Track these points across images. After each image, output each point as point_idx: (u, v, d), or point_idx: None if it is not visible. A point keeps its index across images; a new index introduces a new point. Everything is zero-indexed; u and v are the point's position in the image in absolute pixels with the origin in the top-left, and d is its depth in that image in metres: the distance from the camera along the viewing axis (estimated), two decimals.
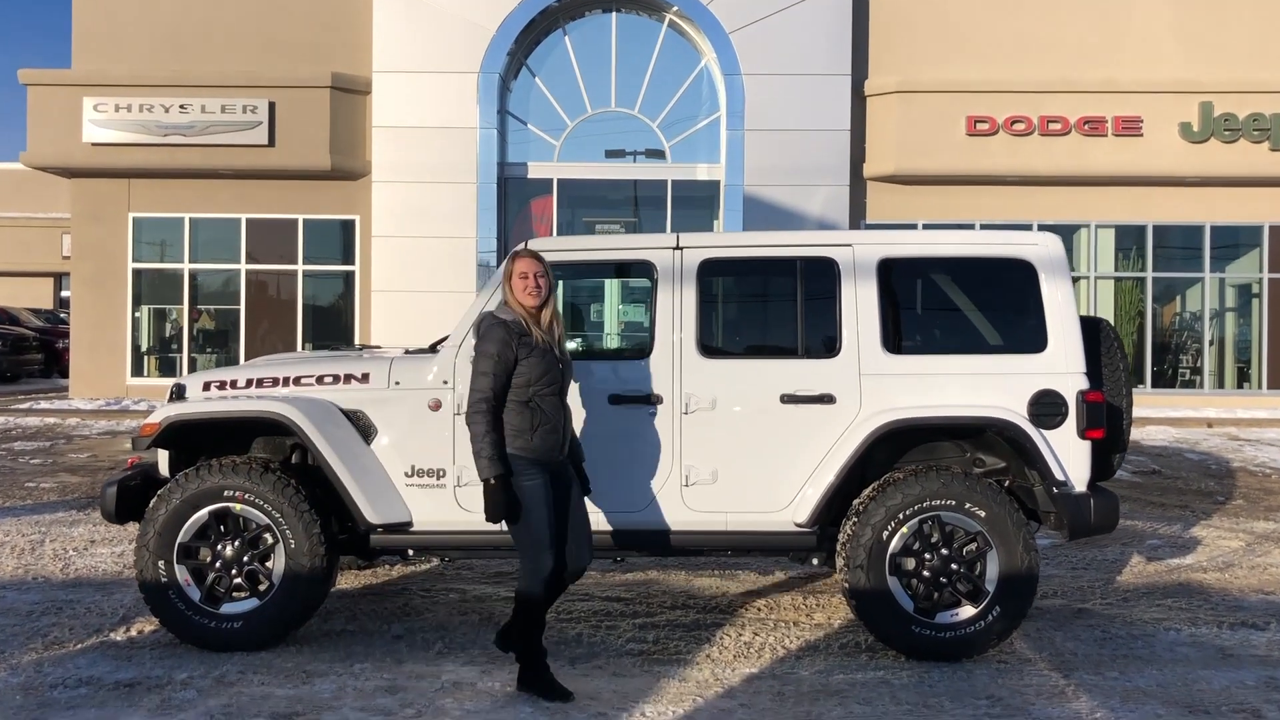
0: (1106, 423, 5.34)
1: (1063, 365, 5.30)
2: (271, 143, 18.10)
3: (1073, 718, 4.48)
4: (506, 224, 18.91)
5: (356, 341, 18.60)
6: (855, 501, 5.29)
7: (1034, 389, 5.27)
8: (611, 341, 17.19)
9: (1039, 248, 5.39)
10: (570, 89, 18.85)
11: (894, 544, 5.17)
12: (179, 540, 5.23)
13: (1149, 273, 19.14)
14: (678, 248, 5.40)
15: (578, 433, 5.23)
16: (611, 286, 17.98)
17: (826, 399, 5.27)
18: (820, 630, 5.70)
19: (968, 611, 5.18)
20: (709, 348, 5.35)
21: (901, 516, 5.15)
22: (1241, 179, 18.52)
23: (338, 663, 5.11)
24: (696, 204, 19.31)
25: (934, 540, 5.20)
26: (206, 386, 5.51)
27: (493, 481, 4.51)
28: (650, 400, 5.30)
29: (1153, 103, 18.42)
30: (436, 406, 5.35)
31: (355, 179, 18.65)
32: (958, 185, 18.59)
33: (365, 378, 5.42)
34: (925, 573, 5.20)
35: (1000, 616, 5.15)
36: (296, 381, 5.44)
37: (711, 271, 5.39)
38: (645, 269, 5.42)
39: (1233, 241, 19.51)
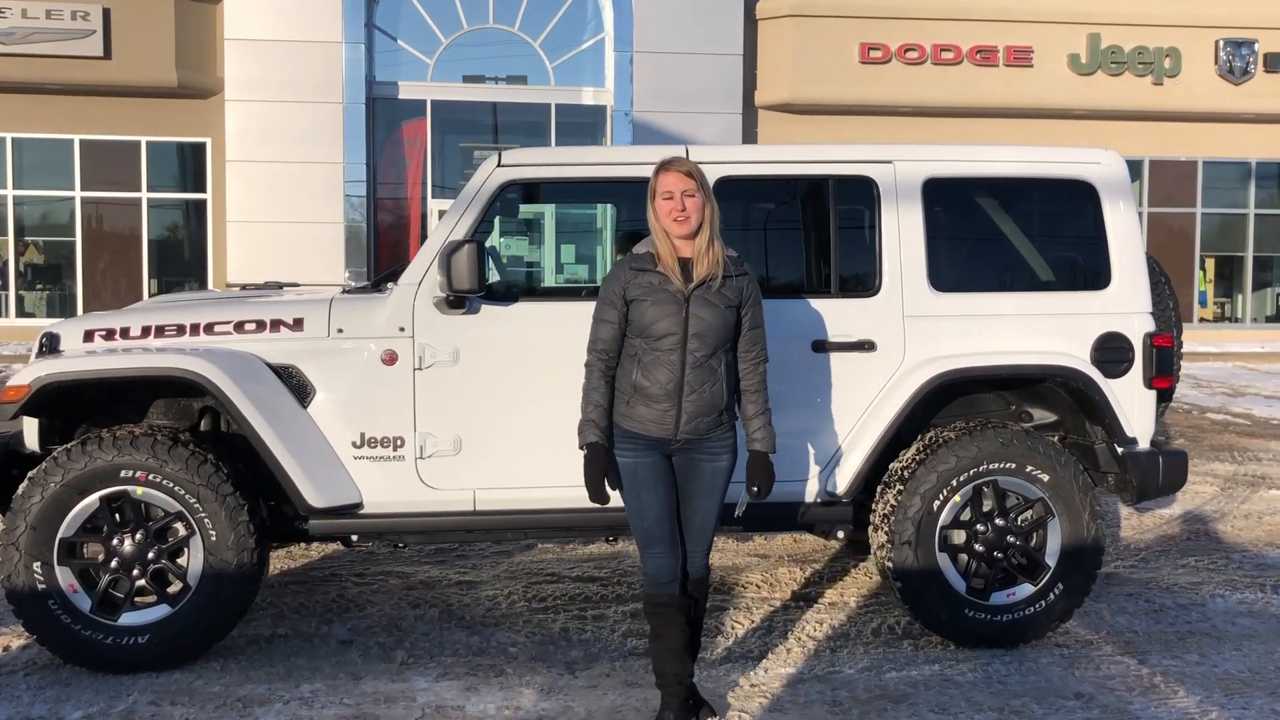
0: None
1: (1127, 304, 4.59)
2: (108, 54, 16.16)
3: (1180, 718, 3.81)
4: (375, 148, 17.46)
5: (227, 278, 16.90)
6: (894, 465, 4.49)
7: (1097, 331, 4.55)
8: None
9: (1101, 167, 4.65)
10: (444, 3, 17.40)
11: (945, 515, 4.40)
12: (61, 535, 4.07)
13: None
14: None
15: (570, 389, 4.28)
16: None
17: (866, 346, 4.44)
18: (840, 611, 4.92)
19: (1026, 590, 4.46)
20: None
21: (955, 483, 4.37)
22: (1125, 112, 18.47)
23: (278, 683, 4.07)
24: (582, 130, 18.22)
25: (987, 509, 4.47)
26: (89, 336, 4.30)
27: (584, 450, 3.60)
28: None
29: (1043, 32, 18.14)
30: (391, 360, 4.29)
31: (205, 97, 16.86)
32: (852, 115, 17.97)
33: (299, 324, 4.31)
34: (978, 547, 4.46)
35: (1063, 595, 4.46)
36: (209, 329, 4.29)
37: (726, 192, 4.42)
38: (644, 190, 4.44)
39: None
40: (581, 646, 4.47)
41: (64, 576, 4.08)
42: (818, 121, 18.05)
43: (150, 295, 16.97)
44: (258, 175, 16.66)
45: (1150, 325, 4.60)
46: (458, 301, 4.25)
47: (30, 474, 4.09)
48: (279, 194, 16.62)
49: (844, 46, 17.75)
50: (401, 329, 4.29)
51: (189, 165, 17.34)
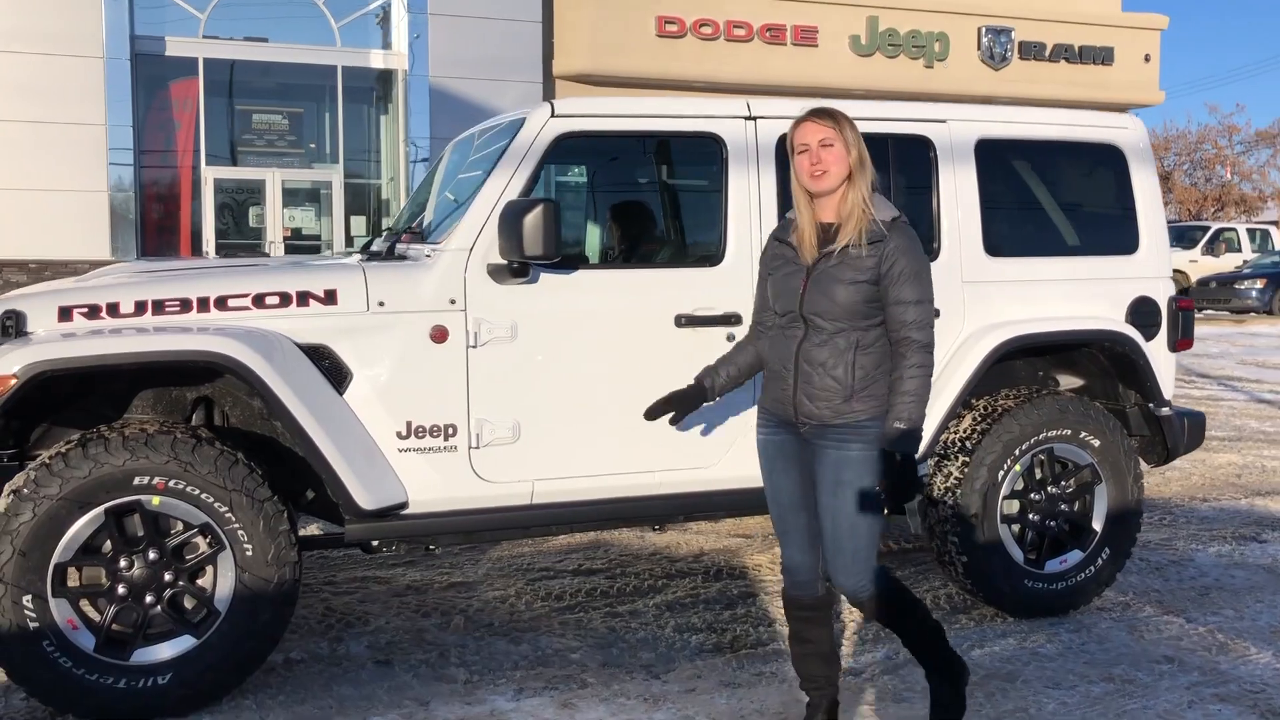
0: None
1: (1154, 269, 4.66)
2: None
3: (1276, 675, 3.89)
4: (142, 110, 15.83)
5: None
6: (951, 436, 4.35)
7: (1131, 296, 4.59)
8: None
9: (1128, 131, 4.67)
10: None
11: (1006, 485, 4.31)
12: (55, 560, 3.29)
13: None
14: (750, 117, 4.11)
15: (636, 366, 3.89)
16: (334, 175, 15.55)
17: None
18: None
19: (1076, 556, 4.45)
20: None
21: (1018, 452, 4.29)
22: (901, 93, 19.25)
23: (339, 718, 3.46)
24: (373, 95, 17.27)
25: (1040, 477, 4.42)
26: (65, 314, 3.47)
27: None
28: (728, 321, 4.01)
29: (827, 13, 18.72)
30: (441, 337, 3.73)
31: None
32: (649, 89, 17.83)
33: (331, 297, 3.66)
34: (1033, 516, 4.40)
35: (1110, 559, 4.48)
36: (221, 304, 3.57)
37: (783, 153, 4.12)
38: (708, 146, 4.08)
39: None
40: (645, 647, 4.08)
41: (60, 610, 3.31)
42: (616, 94, 17.82)
43: None
44: (4, 136, 14.72)
45: (1173, 289, 4.68)
46: (521, 269, 3.74)
47: (11, 486, 3.28)
48: (31, 158, 14.77)
49: (641, 18, 17.64)
50: (452, 301, 3.74)
51: None
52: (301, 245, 16.67)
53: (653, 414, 3.39)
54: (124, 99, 15.31)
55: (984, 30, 19.59)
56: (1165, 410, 4.62)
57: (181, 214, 16.47)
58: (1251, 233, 25.69)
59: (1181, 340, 4.68)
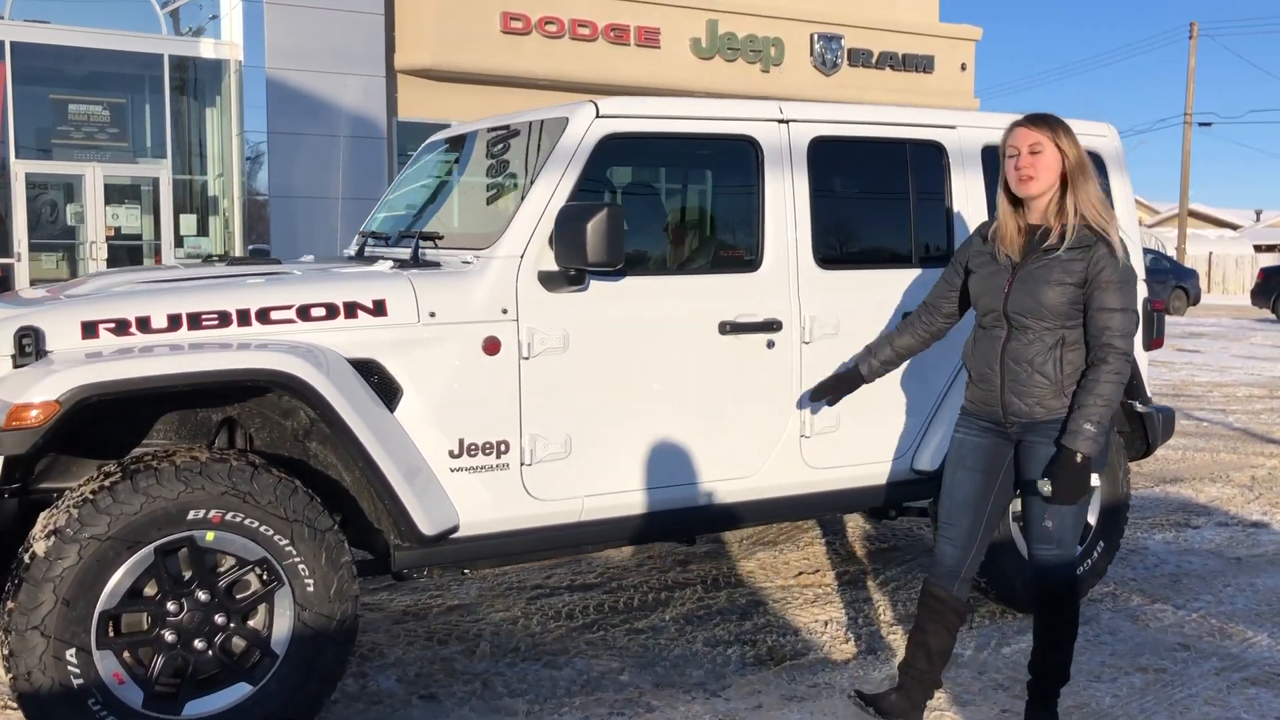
0: None
1: None
2: None
3: None
4: None
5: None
6: None
7: None
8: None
9: (1107, 139, 4.85)
10: None
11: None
12: (100, 607, 2.91)
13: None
14: (783, 120, 4.05)
15: (684, 375, 3.79)
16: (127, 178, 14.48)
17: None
18: (873, 591, 4.79)
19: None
20: (829, 256, 4.11)
21: None
22: (741, 96, 19.64)
23: None
24: (203, 86, 16.29)
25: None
26: (90, 330, 3.08)
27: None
28: (769, 327, 3.95)
29: (669, 16, 18.85)
30: (494, 349, 3.51)
31: None
32: (494, 86, 17.56)
33: (379, 308, 3.38)
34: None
35: (1104, 552, 4.65)
36: (263, 317, 3.24)
37: (825, 154, 4.11)
38: (742, 149, 4.00)
39: None
40: (688, 664, 3.97)
41: (106, 664, 2.94)
42: (459, 90, 17.45)
43: None
44: None
45: (1145, 291, 4.89)
46: (577, 277, 3.57)
47: (47, 525, 2.89)
48: None
49: (485, 14, 17.29)
50: (504, 311, 3.52)
51: None
52: (124, 245, 15.61)
53: (817, 394, 3.61)
54: None
55: (816, 37, 20.15)
56: (1144, 406, 4.83)
57: None
58: None
59: (1155, 340, 4.90)
